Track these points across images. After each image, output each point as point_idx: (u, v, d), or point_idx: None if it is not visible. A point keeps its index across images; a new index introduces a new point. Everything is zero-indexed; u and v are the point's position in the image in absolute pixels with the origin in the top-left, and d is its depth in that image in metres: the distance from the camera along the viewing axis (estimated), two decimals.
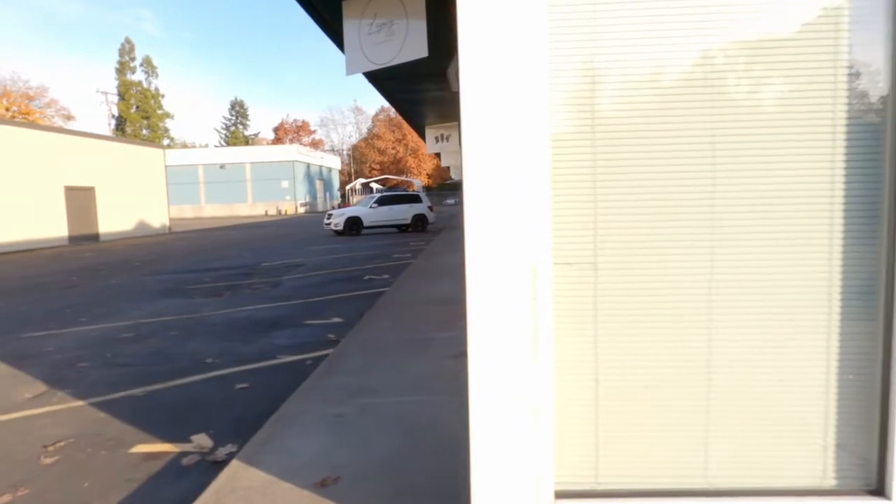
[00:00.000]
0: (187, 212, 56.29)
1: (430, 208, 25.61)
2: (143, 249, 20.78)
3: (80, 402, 4.62)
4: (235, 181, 58.16)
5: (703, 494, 2.16)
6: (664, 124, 2.12)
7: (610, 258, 2.18)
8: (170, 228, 31.21)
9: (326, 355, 5.66)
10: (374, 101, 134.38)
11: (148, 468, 3.41)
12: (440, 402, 3.95)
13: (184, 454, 3.58)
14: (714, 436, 2.18)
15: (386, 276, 11.39)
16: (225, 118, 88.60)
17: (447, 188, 74.00)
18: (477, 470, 2.13)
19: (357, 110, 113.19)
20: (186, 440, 3.79)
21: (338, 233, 24.18)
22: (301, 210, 59.34)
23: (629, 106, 2.13)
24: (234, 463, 3.16)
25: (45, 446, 3.77)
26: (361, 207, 24.93)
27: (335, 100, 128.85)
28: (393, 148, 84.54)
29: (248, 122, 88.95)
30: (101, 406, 4.51)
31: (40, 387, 5.07)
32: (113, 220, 26.80)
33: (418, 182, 62.53)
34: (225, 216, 54.92)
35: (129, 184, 28.01)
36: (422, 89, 10.25)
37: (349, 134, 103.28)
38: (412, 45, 5.00)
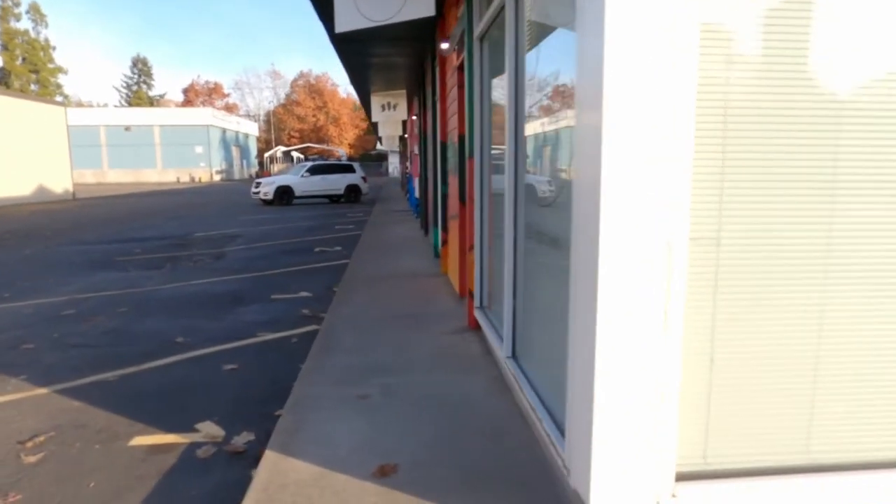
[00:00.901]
0: (88, 177, 51.68)
1: (364, 179, 24.98)
2: (49, 217, 18.87)
3: (42, 390, 4.06)
4: (142, 145, 54.05)
5: (817, 470, 2.16)
6: (790, 104, 2.03)
7: (733, 235, 2.09)
8: (74, 194, 28.56)
9: (311, 332, 5.34)
10: (293, 66, 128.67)
11: (159, 463, 3.04)
12: (463, 381, 3.79)
13: (195, 445, 3.22)
14: (821, 417, 2.18)
15: (338, 249, 10.97)
16: (126, 76, 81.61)
17: (370, 159, 72.51)
18: (598, 452, 2.01)
19: (275, 74, 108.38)
20: (191, 429, 3.41)
21: (266, 202, 23.08)
22: (217, 178, 56.22)
23: (758, 84, 2.02)
24: (270, 454, 2.86)
25: (22, 442, 3.27)
26: (292, 176, 23.91)
27: (251, 62, 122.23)
28: (313, 115, 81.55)
29: (152, 82, 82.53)
30: (71, 394, 3.99)
31: None
32: (6, 183, 24.10)
33: (342, 151, 60.86)
34: (131, 182, 51.03)
35: (24, 144, 25.22)
36: (390, 53, 9.79)
37: (266, 99, 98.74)
38: (417, 2, 4.67)
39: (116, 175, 53.35)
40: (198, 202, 26.05)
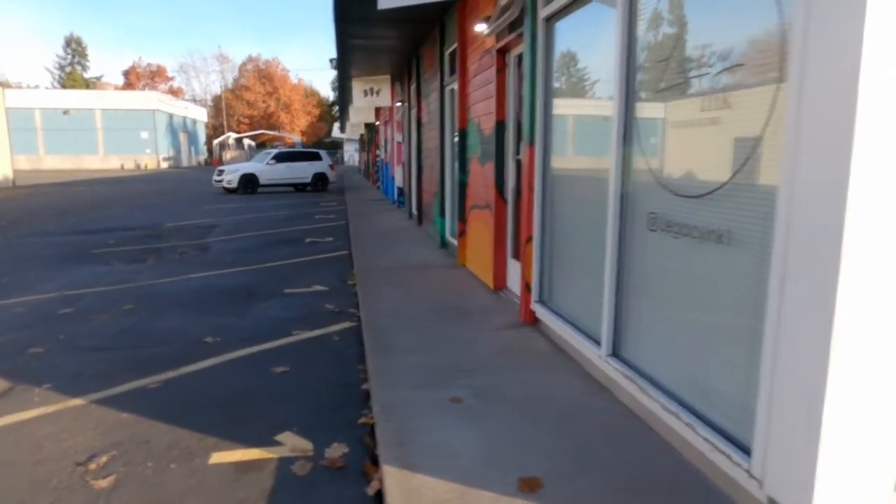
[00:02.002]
0: (22, 163, 48.06)
1: (331, 167, 24.33)
2: None
3: (77, 401, 3.62)
4: (82, 129, 51.02)
5: None
6: None
7: None
8: (14, 182, 26.63)
9: (349, 329, 5.03)
10: (241, 49, 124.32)
11: (255, 483, 2.71)
12: (550, 381, 3.59)
13: (286, 460, 2.90)
14: None
15: (330, 239, 10.55)
16: (59, 57, 76.74)
17: (324, 146, 70.86)
18: (824, 460, 1.85)
19: (222, 58, 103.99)
20: (272, 442, 3.09)
21: (229, 190, 22.17)
22: (164, 165, 53.78)
23: None
24: (391, 470, 2.59)
25: (81, 464, 2.87)
26: (257, 164, 23.02)
27: (196, 44, 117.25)
28: (263, 101, 79.02)
29: (87, 63, 77.99)
30: (114, 404, 3.56)
31: None
32: None
33: (297, 139, 59.30)
34: (70, 169, 48.10)
35: None
36: (389, 36, 9.38)
37: (213, 83, 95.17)
38: None
39: (54, 161, 50.19)
40: (153, 190, 24.75)
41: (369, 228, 11.24)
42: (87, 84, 73.01)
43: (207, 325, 5.21)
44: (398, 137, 14.31)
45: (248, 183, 22.06)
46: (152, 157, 52.49)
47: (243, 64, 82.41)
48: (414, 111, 11.94)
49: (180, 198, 20.84)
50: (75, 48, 76.41)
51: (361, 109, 19.29)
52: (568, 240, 4.09)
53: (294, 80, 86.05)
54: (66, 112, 50.25)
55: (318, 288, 6.69)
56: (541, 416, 3.11)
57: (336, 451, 2.99)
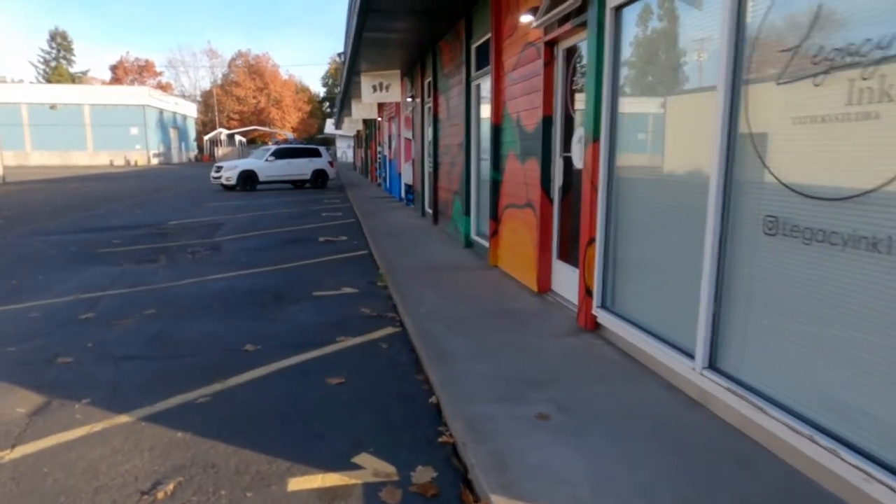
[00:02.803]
0: (8, 158, 47.20)
1: (331, 163, 23.97)
2: None
3: (124, 418, 3.33)
4: (71, 125, 50.10)
5: None
6: None
7: None
8: (4, 178, 25.98)
9: (394, 335, 4.78)
10: (230, 44, 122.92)
11: None
12: (636, 394, 3.36)
13: (371, 486, 2.64)
14: None
15: (344, 238, 10.26)
16: (43, 51, 75.53)
17: (316, 143, 70.10)
18: None
19: (211, 53, 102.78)
20: (350, 465, 2.82)
21: (227, 187, 21.76)
22: (154, 161, 52.98)
23: None
24: (500, 501, 2.34)
25: (147, 492, 2.59)
26: (256, 160, 22.59)
27: (184, 39, 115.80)
28: (254, 97, 78.18)
29: (73, 58, 76.68)
30: (165, 421, 3.28)
31: (31, 397, 3.62)
32: None
33: (290, 135, 58.68)
34: (58, 165, 47.24)
35: None
36: (408, 29, 9.09)
37: (202, 78, 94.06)
38: None
39: (41, 157, 49.21)
40: (150, 187, 24.26)
41: (383, 227, 10.96)
42: (74, 79, 71.74)
43: (242, 331, 4.93)
44: (407, 134, 14.03)
45: (248, 180, 21.65)
46: (142, 153, 51.66)
47: (233, 59, 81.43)
48: (429, 107, 11.66)
49: (178, 195, 20.40)
50: (60, 42, 75.09)
51: (364, 105, 19.00)
52: (643, 243, 3.86)
53: (285, 76, 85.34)
54: (53, 107, 49.29)
55: (348, 290, 6.41)
56: (638, 433, 2.87)
57: (423, 475, 2.73)
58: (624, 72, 4.03)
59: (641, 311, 3.86)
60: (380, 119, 21.45)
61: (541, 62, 5.39)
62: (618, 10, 3.99)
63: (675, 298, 3.44)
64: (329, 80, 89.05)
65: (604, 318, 4.25)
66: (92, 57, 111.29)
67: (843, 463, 2.24)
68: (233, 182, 21.56)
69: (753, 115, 2.78)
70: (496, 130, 6.78)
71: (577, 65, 5.05)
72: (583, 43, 4.79)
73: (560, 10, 4.61)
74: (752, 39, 2.76)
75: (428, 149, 11.79)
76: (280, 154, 22.58)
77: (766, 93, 2.70)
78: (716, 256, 3.02)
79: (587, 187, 4.38)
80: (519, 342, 4.28)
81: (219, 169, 22.15)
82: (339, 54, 13.20)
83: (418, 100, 12.59)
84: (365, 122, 28.09)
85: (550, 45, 5.26)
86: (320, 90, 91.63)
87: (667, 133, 3.60)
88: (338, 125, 36.16)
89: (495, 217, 6.95)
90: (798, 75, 2.49)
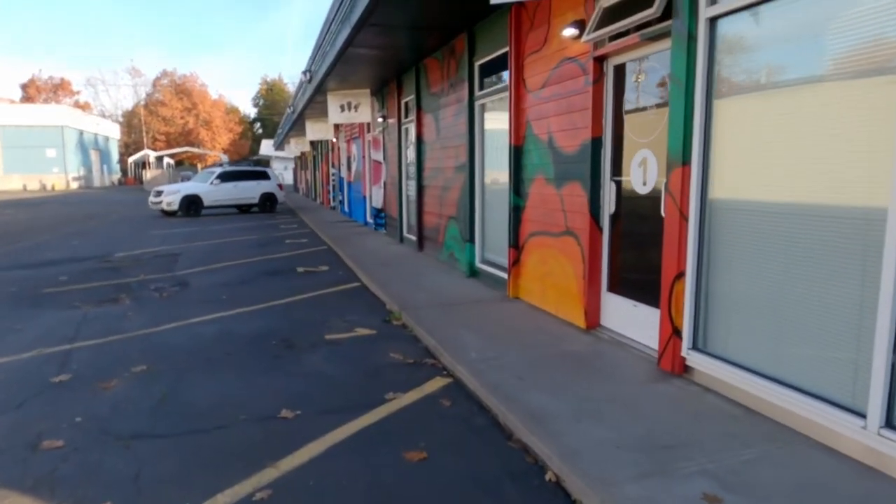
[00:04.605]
0: None
1: (280, 186, 22.87)
2: None
3: None
4: None
5: None
6: None
7: None
8: None
9: (447, 387, 4.17)
10: (155, 63, 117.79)
11: None
12: (795, 462, 2.89)
13: None
14: None
15: (325, 268, 9.45)
16: None
17: (250, 165, 67.63)
18: None
19: (134, 72, 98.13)
20: None
21: (167, 213, 20.25)
22: (74, 185, 49.31)
23: None
24: None
25: None
26: (199, 184, 21.20)
27: (105, 57, 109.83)
28: (181, 118, 74.81)
29: None
30: None
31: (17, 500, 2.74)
32: None
33: (224, 157, 56.37)
34: None
35: None
36: (400, 46, 8.53)
37: (124, 97, 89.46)
38: None
39: None
40: (78, 214, 22.25)
41: (365, 255, 10.22)
42: None
43: (265, 391, 4.14)
44: (376, 156, 13.37)
45: (192, 205, 20.22)
46: (60, 176, 47.97)
47: (158, 78, 77.77)
48: (406, 127, 11.10)
49: (115, 222, 18.75)
50: None
51: (321, 126, 18.23)
52: (760, 278, 3.43)
53: (214, 96, 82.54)
54: None
55: (363, 331, 5.69)
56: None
57: None
58: (719, 87, 3.64)
59: (761, 356, 3.41)
60: (334, 140, 20.64)
61: (585, 79, 4.97)
62: (713, 20, 3.61)
63: (823, 345, 3.01)
64: (260, 100, 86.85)
65: (699, 361, 3.79)
66: None
67: None
68: (174, 207, 20.08)
69: None
70: (517, 152, 6.29)
71: (633, 82, 4.65)
72: (645, 58, 4.40)
73: (629, 21, 4.20)
74: None
75: (408, 171, 11.19)
76: (226, 177, 21.31)
77: None
78: (892, 299, 2.61)
79: (673, 216, 3.94)
80: (611, 394, 3.74)
81: (158, 193, 20.60)
82: (305, 72, 12.42)
83: (392, 120, 12.00)
84: (312, 143, 27.13)
85: (599, 60, 4.84)
86: (251, 111, 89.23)
87: (780, 153, 3.20)
88: (279, 146, 34.89)
89: (516, 245, 6.43)
90: None
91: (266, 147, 55.90)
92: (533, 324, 5.49)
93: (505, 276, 6.71)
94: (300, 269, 9.39)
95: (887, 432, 2.66)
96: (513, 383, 3.96)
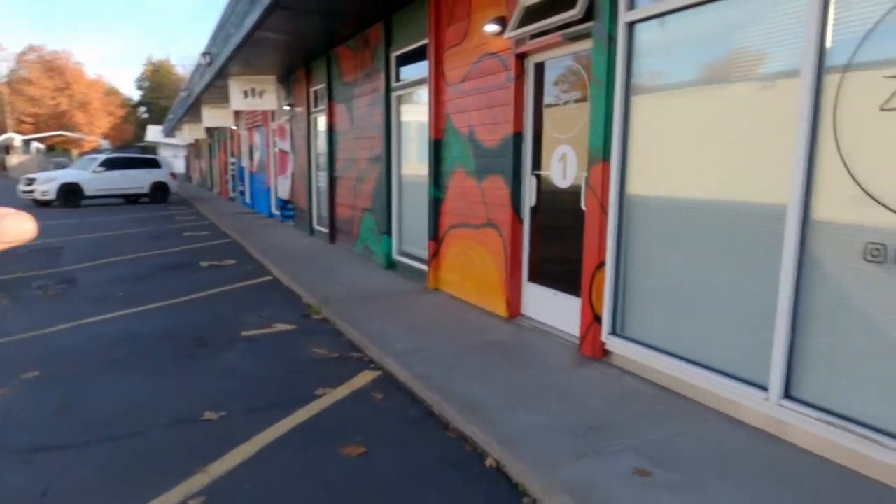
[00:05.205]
0: None
1: (173, 175, 21.45)
2: None
3: None
4: None
5: None
6: None
7: None
8: None
9: (378, 379, 4.12)
10: (18, 38, 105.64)
11: None
12: (709, 433, 3.16)
13: None
14: None
15: (232, 262, 9.01)
16: None
17: (135, 151, 62.66)
18: None
19: None
20: None
21: (41, 203, 18.36)
22: None
23: None
24: None
25: None
26: (80, 171, 19.41)
27: None
28: (52, 98, 67.86)
29: None
30: None
31: None
32: None
33: (105, 143, 51.82)
34: None
35: None
36: (311, 32, 8.24)
37: None
38: None
39: None
40: None
41: (273, 248, 9.85)
42: None
43: (183, 393, 3.90)
44: (282, 145, 12.89)
45: (70, 194, 18.46)
46: None
47: (23, 53, 69.90)
48: (316, 117, 10.80)
49: None
50: None
51: (220, 112, 17.31)
52: (674, 267, 3.70)
53: (91, 76, 75.62)
54: None
55: (282, 327, 5.50)
56: (758, 484, 2.64)
57: None
58: (637, 89, 3.87)
59: (674, 339, 3.69)
60: (234, 127, 19.65)
61: (507, 75, 5.09)
62: (631, 25, 3.83)
63: (730, 327, 3.31)
64: (146, 82, 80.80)
65: (618, 345, 4.04)
66: None
67: None
68: (50, 197, 18.26)
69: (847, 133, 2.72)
70: (437, 145, 6.33)
71: (553, 80, 4.83)
72: (566, 57, 4.58)
73: (551, 21, 4.34)
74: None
75: (318, 162, 10.89)
76: (112, 164, 19.65)
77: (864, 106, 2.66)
78: (792, 281, 2.93)
79: (594, 210, 4.14)
80: (538, 380, 3.89)
81: (31, 181, 18.63)
82: (204, 54, 11.69)
83: (300, 108, 11.62)
84: (209, 130, 25.67)
85: (521, 57, 4.97)
86: (135, 94, 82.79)
87: (693, 152, 3.48)
88: (170, 132, 32.68)
89: (436, 238, 6.48)
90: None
91: (154, 133, 52.22)
92: (455, 314, 5.57)
93: (424, 267, 6.75)
94: (204, 264, 8.89)
95: (786, 402, 2.98)
96: (443, 374, 4.01)
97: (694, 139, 3.49)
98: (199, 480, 2.82)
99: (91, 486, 2.78)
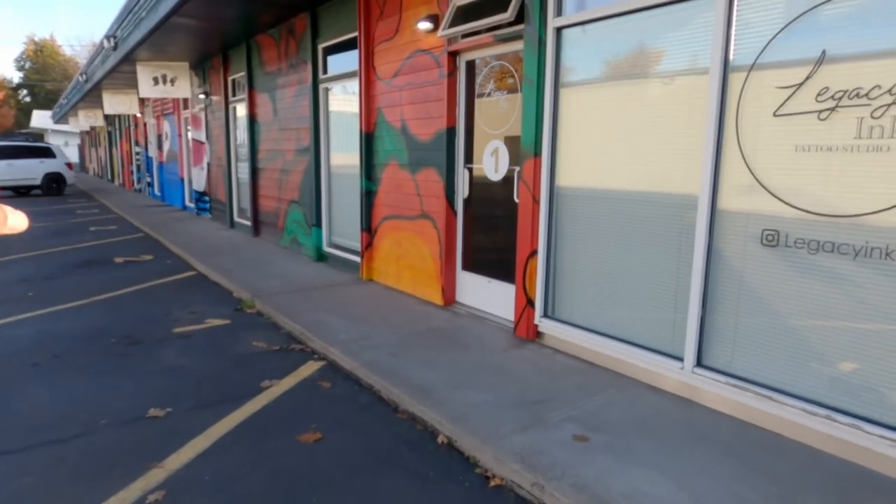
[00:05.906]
0: None
1: (69, 165, 19.96)
2: None
3: None
4: None
5: None
6: None
7: None
8: None
9: (324, 368, 4.23)
10: None
11: None
12: (635, 401, 3.53)
13: None
14: None
15: (149, 258, 8.66)
16: None
17: (18, 139, 57.13)
18: None
19: None
20: None
21: None
22: None
23: None
24: None
25: None
26: None
27: None
28: None
29: None
30: None
31: None
32: None
33: None
34: None
35: None
36: (233, 18, 7.98)
37: None
38: None
39: None
40: None
41: (193, 241, 9.52)
42: None
43: (122, 392, 3.82)
44: (197, 135, 12.39)
45: None
46: None
47: None
48: (235, 106, 10.50)
49: None
50: None
51: (123, 98, 16.31)
52: (600, 254, 4.05)
53: None
54: None
55: (217, 322, 5.42)
56: (677, 441, 3.02)
57: None
58: (565, 89, 4.17)
59: (602, 319, 4.06)
60: (139, 115, 18.55)
61: (440, 71, 5.28)
62: (559, 30, 4.12)
63: (650, 306, 3.70)
64: (27, 63, 73.82)
65: (550, 327, 4.36)
66: None
67: (869, 435, 2.69)
68: None
69: (745, 137, 3.14)
70: (368, 139, 6.42)
71: (485, 78, 5.07)
72: (497, 56, 4.83)
73: (483, 23, 4.57)
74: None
75: (238, 153, 10.60)
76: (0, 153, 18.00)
77: (763, 119, 3.08)
78: (703, 263, 3.34)
79: (527, 201, 4.43)
80: (479, 362, 4.13)
81: None
82: (108, 37, 10.98)
83: (217, 97, 11.22)
84: (108, 117, 24.02)
85: (453, 55, 5.17)
86: (14, 75, 75.58)
87: (616, 147, 3.83)
88: (62, 119, 30.20)
89: (369, 229, 6.58)
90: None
91: (40, 119, 47.97)
92: (393, 304, 5.72)
93: (357, 259, 6.83)
94: (119, 260, 8.47)
95: (699, 370, 3.40)
96: (388, 360, 4.17)
97: (617, 136, 3.84)
98: (157, 475, 2.83)
99: (42, 489, 2.72)
